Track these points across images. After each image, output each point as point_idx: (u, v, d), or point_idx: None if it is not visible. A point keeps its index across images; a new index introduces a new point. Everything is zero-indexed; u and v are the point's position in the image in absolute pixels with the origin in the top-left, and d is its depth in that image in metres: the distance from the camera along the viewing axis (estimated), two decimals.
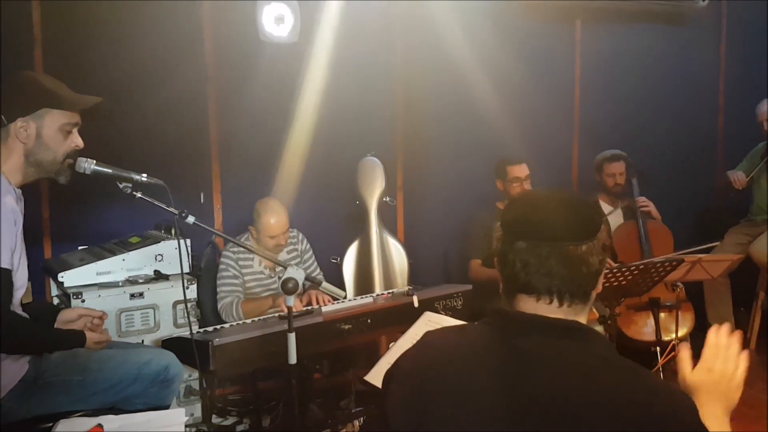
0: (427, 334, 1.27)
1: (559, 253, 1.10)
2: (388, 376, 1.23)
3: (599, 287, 1.15)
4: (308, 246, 3.43)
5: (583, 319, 1.14)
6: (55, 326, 2.17)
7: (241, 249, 3.10)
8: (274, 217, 3.12)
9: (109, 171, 2.10)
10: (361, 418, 2.94)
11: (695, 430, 1.02)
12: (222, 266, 3.18)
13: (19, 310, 2.06)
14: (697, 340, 4.47)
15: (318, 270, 3.47)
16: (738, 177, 4.19)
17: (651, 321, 3.73)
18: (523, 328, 1.12)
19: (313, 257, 3.45)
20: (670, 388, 1.06)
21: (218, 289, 3.14)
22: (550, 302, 1.12)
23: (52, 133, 2.02)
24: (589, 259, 1.11)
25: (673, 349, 3.65)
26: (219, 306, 3.11)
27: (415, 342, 1.27)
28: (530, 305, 1.14)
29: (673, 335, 3.71)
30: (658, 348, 3.60)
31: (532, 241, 1.12)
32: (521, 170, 3.75)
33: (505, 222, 1.18)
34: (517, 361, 1.08)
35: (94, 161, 2.09)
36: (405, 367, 1.21)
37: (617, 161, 4.12)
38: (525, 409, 1.03)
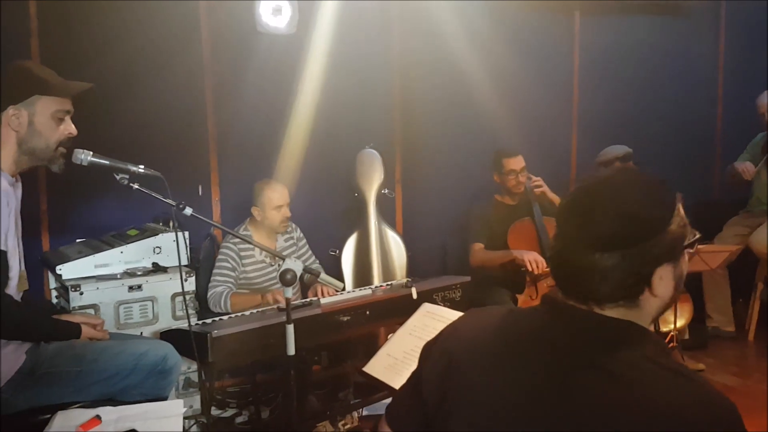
0: (473, 311, 1.26)
1: (595, 262, 1.03)
2: (428, 346, 1.24)
3: (659, 291, 1.05)
4: (302, 235, 3.46)
5: (639, 319, 1.07)
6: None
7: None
8: (275, 188, 3.23)
9: (106, 162, 2.09)
10: (361, 410, 2.95)
11: None
12: (221, 256, 3.20)
13: (17, 297, 2.05)
14: (695, 331, 4.51)
15: (313, 258, 3.49)
16: (747, 167, 4.17)
17: None
18: (574, 324, 1.07)
19: (307, 246, 3.47)
20: (721, 404, 0.99)
21: (212, 277, 3.17)
22: (595, 305, 1.06)
23: (44, 120, 2.02)
24: (637, 265, 1.02)
25: (672, 340, 3.66)
26: (209, 294, 3.14)
27: (457, 318, 1.26)
28: (577, 302, 1.09)
29: (672, 326, 3.72)
30: None
31: (571, 245, 1.07)
32: (517, 162, 3.74)
33: (558, 214, 1.11)
34: (562, 359, 1.04)
35: (91, 152, 2.08)
36: (445, 340, 1.21)
37: (628, 162, 4.08)
38: (559, 406, 1.00)
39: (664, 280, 1.05)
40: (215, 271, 3.18)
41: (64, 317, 2.24)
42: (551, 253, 1.12)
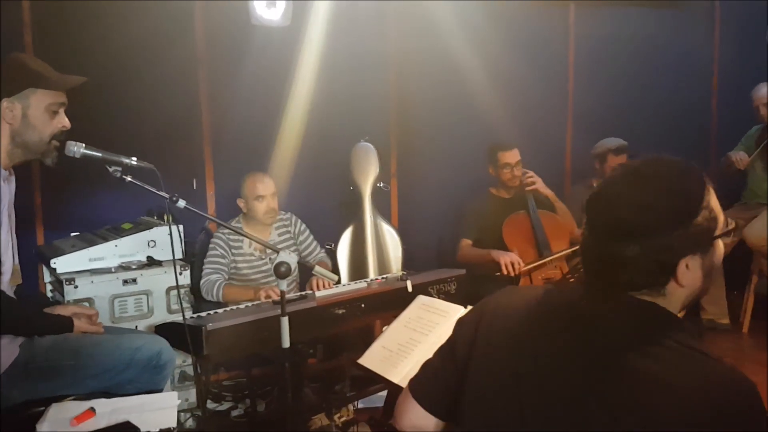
0: (509, 287, 1.33)
1: (617, 245, 1.05)
2: (462, 317, 1.31)
3: (685, 281, 1.05)
4: (303, 227, 3.45)
5: (668, 305, 1.08)
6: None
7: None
8: (257, 179, 3.23)
9: (99, 154, 2.08)
10: (357, 402, 2.95)
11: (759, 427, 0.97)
12: (212, 245, 3.23)
13: (10, 292, 2.04)
14: (689, 323, 4.52)
15: (318, 249, 3.49)
16: (740, 157, 4.19)
17: None
18: (607, 301, 1.09)
19: (311, 237, 3.47)
20: (745, 385, 1.00)
21: (204, 266, 3.19)
22: (629, 288, 1.08)
23: (38, 113, 2.01)
24: (663, 254, 1.03)
25: None
26: (201, 282, 3.14)
27: (498, 292, 1.31)
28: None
29: None
30: None
31: (595, 229, 1.09)
32: (512, 156, 3.74)
33: (587, 205, 1.13)
34: (589, 330, 1.07)
35: (84, 145, 2.07)
36: (482, 305, 1.27)
37: (622, 154, 4.07)
38: (584, 379, 1.02)
39: (690, 271, 1.05)
40: (206, 260, 3.20)
41: (58, 309, 2.23)
42: (581, 240, 1.14)
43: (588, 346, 1.05)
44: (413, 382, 1.31)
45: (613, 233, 1.05)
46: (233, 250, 3.24)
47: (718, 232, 1.08)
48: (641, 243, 1.02)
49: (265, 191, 3.22)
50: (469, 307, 1.39)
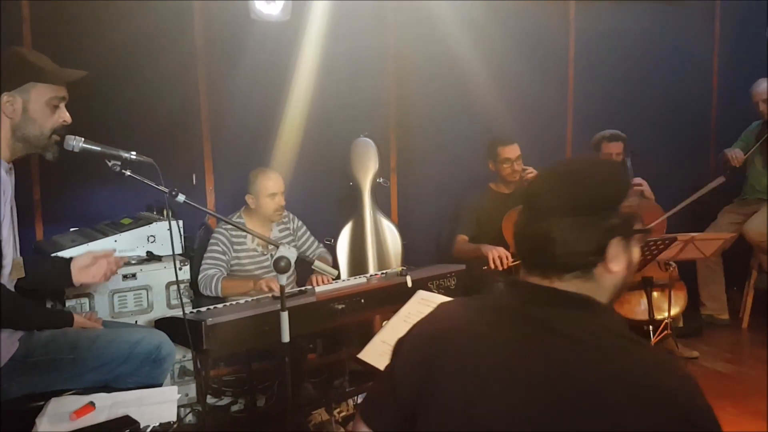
0: (442, 304, 1.29)
1: (552, 224, 1.10)
2: (400, 342, 1.25)
3: (613, 266, 1.11)
4: (300, 224, 3.45)
5: (596, 294, 1.13)
6: (72, 274, 2.12)
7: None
8: (270, 176, 3.23)
9: (98, 148, 2.08)
10: (356, 397, 2.95)
11: (705, 409, 1.01)
12: (213, 240, 3.21)
13: (10, 286, 2.04)
14: (689, 319, 4.52)
15: (317, 245, 3.49)
16: (736, 154, 4.20)
17: (644, 300, 3.74)
18: (535, 298, 1.13)
19: (308, 233, 3.47)
20: (680, 367, 1.06)
21: (203, 261, 3.17)
22: (554, 276, 1.13)
23: (39, 107, 2.00)
24: (594, 233, 1.09)
25: (666, 328, 3.68)
26: (200, 276, 3.13)
27: (426, 314, 1.27)
28: (540, 279, 1.14)
29: (666, 314, 3.73)
30: (650, 326, 3.62)
31: (533, 215, 1.14)
32: (512, 151, 3.74)
33: (525, 192, 1.20)
34: (529, 330, 1.09)
35: (83, 139, 2.07)
36: (417, 334, 1.23)
37: (616, 141, 4.09)
38: (535, 379, 1.04)
39: (617, 257, 1.11)
40: (206, 255, 3.18)
41: (78, 260, 2.17)
42: (515, 231, 1.19)
43: (531, 348, 1.07)
44: (363, 408, 1.31)
45: (551, 211, 1.11)
46: (236, 246, 3.22)
47: (638, 226, 1.15)
48: (577, 219, 1.09)
49: (276, 189, 3.22)
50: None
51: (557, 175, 1.16)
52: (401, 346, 1.23)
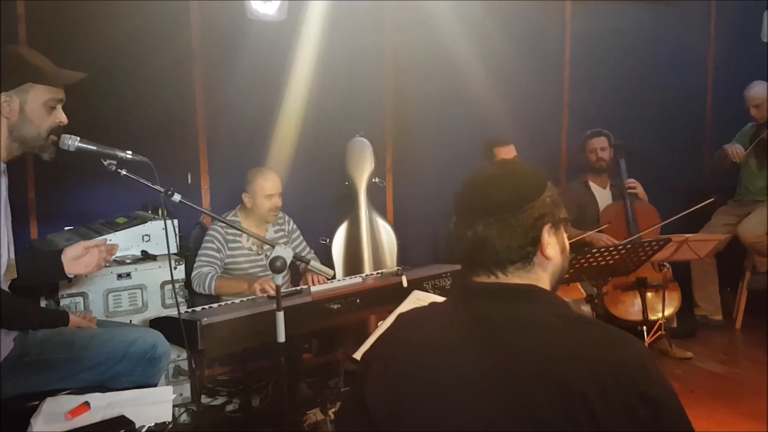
0: (400, 315, 1.30)
1: (489, 224, 1.16)
2: (366, 359, 1.27)
3: (549, 252, 1.18)
4: (295, 226, 3.45)
5: (540, 283, 1.19)
6: (64, 266, 2.10)
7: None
8: (268, 177, 3.22)
9: (93, 148, 2.07)
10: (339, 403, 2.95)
11: (657, 375, 1.05)
12: (207, 238, 3.20)
13: (5, 287, 2.04)
14: (683, 319, 4.53)
15: (308, 249, 3.49)
16: (736, 149, 4.20)
17: (638, 300, 3.75)
18: (479, 296, 1.18)
19: (301, 237, 3.47)
20: (628, 336, 1.11)
21: (197, 258, 3.16)
22: (499, 271, 1.18)
23: (36, 108, 1.99)
24: (525, 225, 1.16)
25: (660, 328, 3.69)
26: (193, 273, 3.12)
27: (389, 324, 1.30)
28: (484, 276, 1.19)
29: (660, 314, 3.74)
30: (644, 327, 3.63)
31: (466, 218, 1.19)
32: (508, 151, 3.75)
33: (454, 203, 1.25)
34: (478, 327, 1.13)
35: (78, 138, 2.06)
36: (380, 349, 1.24)
37: (598, 136, 4.16)
38: (495, 372, 1.07)
39: (551, 244, 1.19)
40: (200, 252, 3.18)
41: (70, 250, 2.13)
42: (452, 239, 1.23)
43: (490, 344, 1.11)
44: (337, 419, 1.36)
45: (484, 213, 1.17)
46: (230, 245, 3.22)
47: (563, 215, 1.22)
48: (510, 216, 1.16)
49: (274, 190, 3.21)
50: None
51: (475, 183, 1.22)
52: (367, 365, 1.23)
